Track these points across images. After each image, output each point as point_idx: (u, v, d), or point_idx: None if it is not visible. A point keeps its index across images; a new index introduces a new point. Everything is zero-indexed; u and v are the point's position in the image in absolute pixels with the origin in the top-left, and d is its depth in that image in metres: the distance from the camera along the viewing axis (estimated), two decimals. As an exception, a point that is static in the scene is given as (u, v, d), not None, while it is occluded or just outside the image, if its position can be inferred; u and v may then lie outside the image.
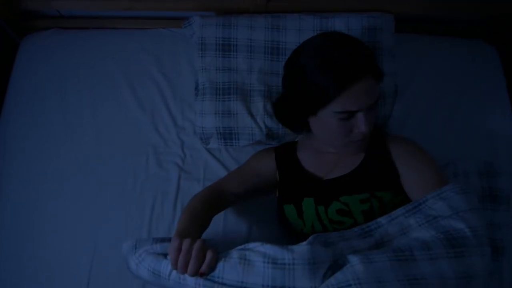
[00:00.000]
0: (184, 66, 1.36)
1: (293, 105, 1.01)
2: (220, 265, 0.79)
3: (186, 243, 0.81)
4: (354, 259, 0.76)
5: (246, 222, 1.17)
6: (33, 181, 1.23)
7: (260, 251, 0.79)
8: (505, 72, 1.38)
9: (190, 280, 0.80)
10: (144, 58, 1.37)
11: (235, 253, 0.81)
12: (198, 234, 0.93)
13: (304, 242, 0.80)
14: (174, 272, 0.82)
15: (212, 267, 0.80)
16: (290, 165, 1.11)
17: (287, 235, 1.09)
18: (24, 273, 1.13)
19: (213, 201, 1.05)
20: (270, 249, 0.79)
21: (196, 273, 0.79)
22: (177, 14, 1.40)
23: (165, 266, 0.83)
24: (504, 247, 1.07)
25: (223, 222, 1.17)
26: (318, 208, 1.00)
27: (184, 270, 0.80)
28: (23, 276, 1.12)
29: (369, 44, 1.20)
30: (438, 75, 1.36)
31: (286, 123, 1.10)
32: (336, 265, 0.77)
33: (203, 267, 0.79)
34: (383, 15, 1.25)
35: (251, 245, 0.82)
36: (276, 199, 1.11)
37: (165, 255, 0.86)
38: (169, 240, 0.87)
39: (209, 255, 0.80)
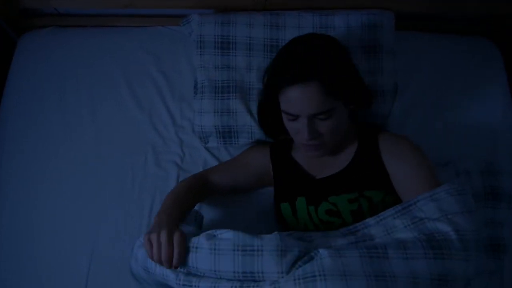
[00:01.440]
0: (183, 64, 1.35)
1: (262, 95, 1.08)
2: (193, 256, 0.83)
3: (153, 237, 0.84)
4: (324, 253, 0.77)
5: (243, 220, 1.16)
6: (32, 180, 1.22)
7: (230, 239, 0.83)
8: (507, 69, 1.37)
9: (171, 276, 0.83)
10: (143, 56, 1.36)
11: (205, 243, 0.83)
12: (179, 215, 0.95)
13: (275, 232, 0.84)
14: (158, 267, 0.85)
15: (181, 259, 0.83)
16: (284, 163, 1.11)
17: None
18: (23, 272, 1.12)
19: (197, 188, 1.07)
20: (238, 237, 0.83)
21: (171, 265, 0.83)
22: (176, 11, 1.39)
23: (150, 261, 0.86)
24: (505, 245, 1.06)
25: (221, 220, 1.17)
26: (309, 208, 1.00)
27: (161, 263, 0.83)
28: (22, 275, 1.12)
29: (369, 41, 1.19)
30: (438, 73, 1.34)
31: (262, 122, 1.13)
32: (309, 257, 0.79)
33: (174, 262, 0.83)
34: (383, 12, 1.24)
35: (219, 231, 0.85)
36: (274, 197, 1.11)
37: None
38: None
39: (176, 249, 0.82)
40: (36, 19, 1.43)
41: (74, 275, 1.12)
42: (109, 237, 1.15)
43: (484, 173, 1.13)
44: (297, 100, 0.92)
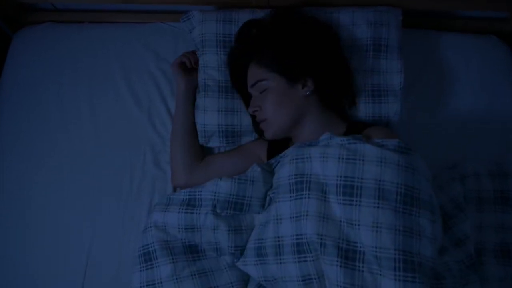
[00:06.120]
0: (183, 61, 1.32)
1: None
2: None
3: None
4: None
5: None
6: (28, 178, 1.21)
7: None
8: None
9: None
10: (142, 53, 1.34)
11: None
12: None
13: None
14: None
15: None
16: (278, 154, 1.09)
17: None
18: (18, 272, 1.12)
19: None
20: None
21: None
22: (176, 7, 1.37)
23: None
24: (516, 250, 1.04)
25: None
26: None
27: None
28: (17, 275, 1.12)
29: (375, 39, 1.17)
30: (446, 71, 1.32)
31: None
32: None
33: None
34: (391, 9, 1.21)
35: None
36: None
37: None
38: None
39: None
40: (33, 15, 1.41)
41: (70, 276, 1.11)
42: (106, 237, 1.15)
43: (494, 176, 1.11)
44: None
